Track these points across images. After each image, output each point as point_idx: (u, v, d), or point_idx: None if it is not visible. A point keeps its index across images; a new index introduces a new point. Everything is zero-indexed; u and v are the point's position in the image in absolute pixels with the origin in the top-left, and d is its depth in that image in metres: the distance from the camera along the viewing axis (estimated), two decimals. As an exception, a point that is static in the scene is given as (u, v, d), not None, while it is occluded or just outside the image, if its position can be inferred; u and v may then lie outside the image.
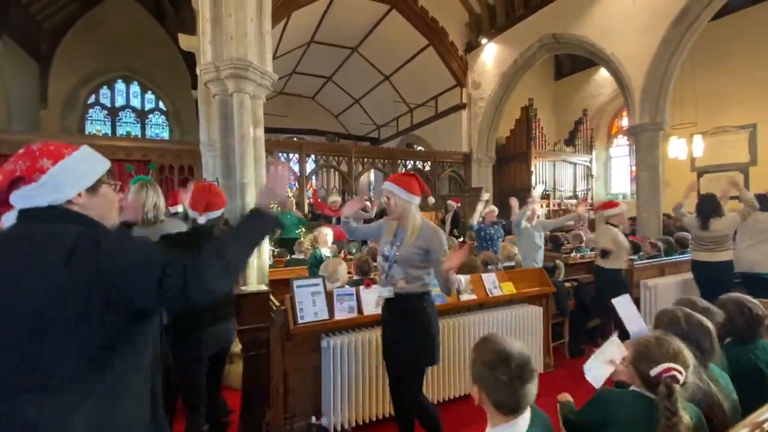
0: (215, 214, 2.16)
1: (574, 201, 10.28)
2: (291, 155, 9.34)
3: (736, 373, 1.57)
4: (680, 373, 1.17)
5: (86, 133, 12.09)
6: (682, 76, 7.03)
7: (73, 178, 0.97)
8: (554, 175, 10.63)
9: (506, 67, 9.54)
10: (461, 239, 7.20)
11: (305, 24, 10.45)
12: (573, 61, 11.51)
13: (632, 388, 1.32)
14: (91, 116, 12.73)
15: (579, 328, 4.13)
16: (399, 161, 10.60)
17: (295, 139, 13.04)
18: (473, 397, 1.18)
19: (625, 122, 10.60)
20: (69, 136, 9.89)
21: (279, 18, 8.55)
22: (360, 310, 2.69)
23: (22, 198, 0.94)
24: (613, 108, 11.30)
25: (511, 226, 4.74)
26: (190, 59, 8.72)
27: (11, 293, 0.84)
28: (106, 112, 13.00)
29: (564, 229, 6.90)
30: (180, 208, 3.17)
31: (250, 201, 3.27)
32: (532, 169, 10.14)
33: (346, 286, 2.86)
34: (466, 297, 3.11)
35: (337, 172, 10.06)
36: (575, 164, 11.08)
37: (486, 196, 5.82)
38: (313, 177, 10.24)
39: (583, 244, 5.79)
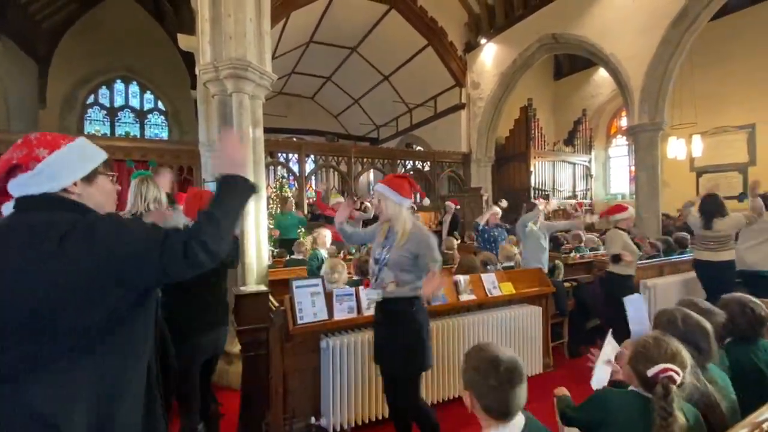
0: None
1: (572, 201, 10.29)
2: (291, 155, 9.34)
3: (737, 373, 1.57)
4: (677, 373, 1.18)
5: (85, 133, 12.07)
6: (681, 77, 7.04)
7: (68, 167, 0.98)
8: (553, 175, 10.64)
9: (505, 67, 9.54)
10: (460, 240, 7.19)
11: (304, 24, 10.44)
12: (572, 62, 11.53)
13: (631, 388, 1.32)
14: (90, 116, 12.71)
15: (578, 329, 4.13)
16: (398, 161, 10.60)
17: (294, 139, 13.02)
18: (465, 404, 1.19)
19: (624, 122, 10.62)
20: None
21: (278, 18, 8.55)
22: (359, 311, 2.68)
23: (19, 186, 0.95)
24: (612, 108, 11.31)
25: (515, 230, 4.69)
26: (189, 59, 8.71)
27: (11, 281, 0.85)
28: (105, 112, 12.98)
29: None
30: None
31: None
32: (531, 169, 10.15)
33: (346, 287, 2.86)
34: (465, 297, 3.11)
35: (336, 173, 10.06)
36: (574, 164, 11.09)
37: (504, 203, 5.79)
38: (313, 177, 10.24)
39: (582, 244, 5.80)
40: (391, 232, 2.09)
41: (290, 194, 7.66)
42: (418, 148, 13.06)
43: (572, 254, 5.21)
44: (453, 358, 2.98)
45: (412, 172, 10.97)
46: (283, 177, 8.75)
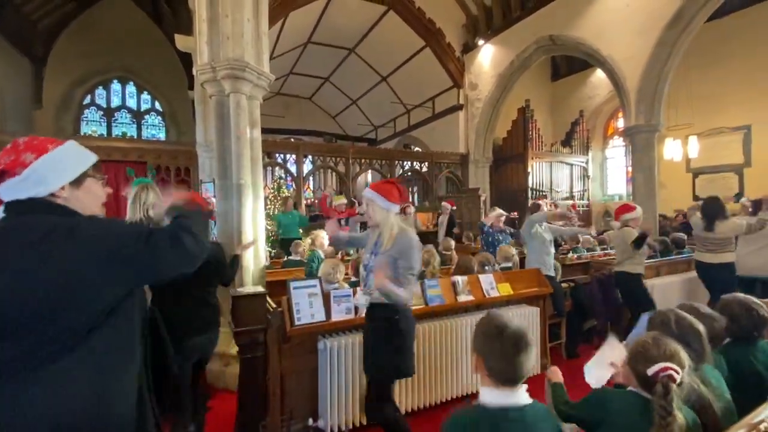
0: None
1: (568, 202, 10.32)
2: (288, 156, 9.32)
3: (735, 375, 1.57)
4: (677, 372, 1.18)
5: (81, 133, 12.01)
6: (677, 78, 7.08)
7: (56, 171, 0.99)
8: (551, 176, 10.67)
9: (503, 68, 9.57)
10: (457, 239, 7.19)
11: (302, 25, 10.44)
12: (569, 63, 11.57)
13: (629, 388, 1.33)
14: (86, 117, 12.65)
15: (576, 329, 4.14)
16: (396, 162, 10.61)
17: (292, 139, 13.01)
18: (472, 365, 1.23)
19: (621, 123, 10.66)
20: (64, 137, 9.83)
21: (276, 18, 8.54)
22: (357, 312, 2.67)
23: (8, 191, 0.97)
24: (609, 109, 11.36)
25: (520, 234, 4.65)
26: (186, 60, 8.70)
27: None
28: (102, 112, 12.92)
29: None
30: None
31: (246, 203, 3.25)
32: (529, 170, 10.17)
33: (345, 287, 2.85)
34: (463, 298, 3.10)
35: (334, 173, 10.05)
36: (572, 165, 11.12)
37: (514, 214, 5.77)
38: (311, 178, 10.23)
39: (580, 245, 5.82)
40: (380, 238, 2.09)
41: (289, 194, 7.68)
42: (416, 148, 13.07)
43: (570, 255, 5.23)
44: (451, 358, 2.97)
45: (410, 173, 10.99)
46: (280, 178, 8.74)
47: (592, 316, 4.27)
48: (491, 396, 1.16)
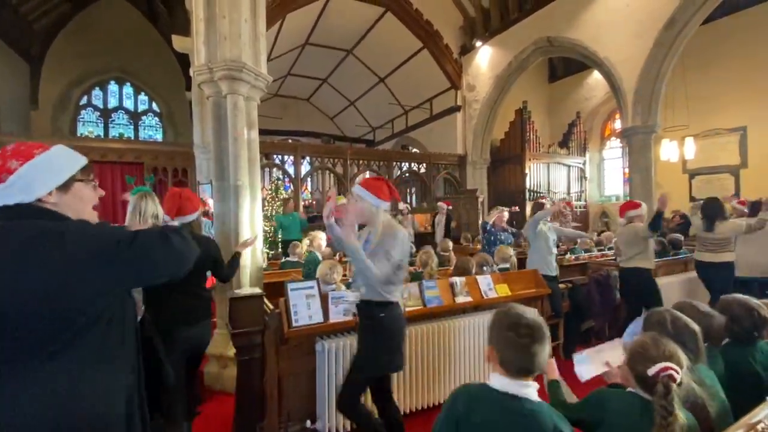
0: (187, 218, 2.30)
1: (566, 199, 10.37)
2: (286, 157, 9.31)
3: (733, 376, 1.57)
4: (677, 372, 1.18)
5: (78, 134, 11.96)
6: (673, 80, 7.12)
7: (42, 177, 1.00)
8: (548, 177, 10.70)
9: (500, 69, 9.60)
10: (455, 239, 7.20)
11: (300, 26, 10.44)
12: (566, 64, 11.62)
13: (628, 389, 1.32)
14: (83, 118, 12.60)
15: (573, 330, 4.14)
16: (394, 163, 10.62)
17: (290, 140, 13.01)
18: (485, 356, 1.26)
19: (617, 125, 10.71)
20: (60, 138, 9.79)
21: (274, 20, 8.54)
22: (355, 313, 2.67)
23: None
24: (605, 110, 11.41)
25: (522, 233, 4.63)
26: (184, 60, 8.69)
27: None
28: (99, 113, 12.87)
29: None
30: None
31: (244, 204, 3.24)
32: (527, 171, 10.20)
33: (342, 288, 2.84)
34: (461, 299, 3.10)
35: (332, 174, 10.05)
36: (569, 166, 11.16)
37: (515, 208, 5.77)
38: (309, 179, 10.22)
39: (577, 245, 5.83)
40: (369, 236, 2.07)
41: (288, 196, 7.69)
42: (414, 150, 13.08)
43: (567, 256, 5.23)
44: (450, 359, 2.97)
45: (407, 174, 11.00)
46: (278, 179, 8.73)
47: (590, 316, 4.27)
48: (500, 382, 1.16)
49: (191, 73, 4.62)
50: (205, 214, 4.21)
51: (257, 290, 2.72)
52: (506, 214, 5.03)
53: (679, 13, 6.16)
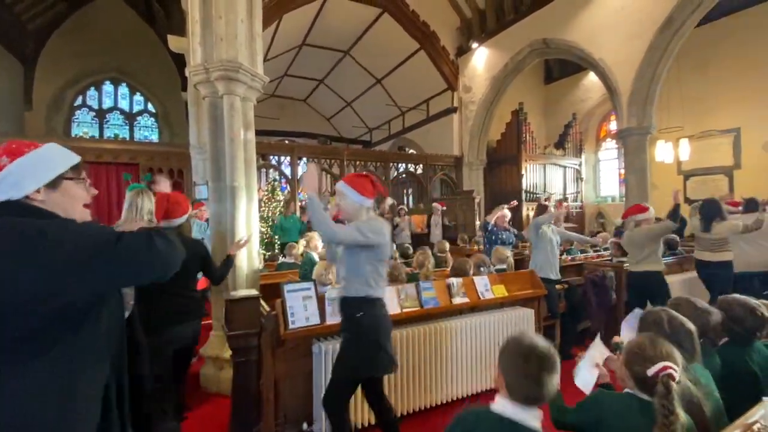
0: (175, 222, 2.34)
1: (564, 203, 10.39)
2: (283, 158, 9.29)
3: (729, 375, 1.57)
4: (676, 371, 1.18)
5: (72, 135, 11.88)
6: (668, 81, 7.17)
7: (31, 174, 1.00)
8: (544, 178, 10.74)
9: (497, 71, 9.63)
10: (452, 240, 7.20)
11: (297, 26, 10.43)
12: (562, 66, 11.67)
13: (626, 390, 1.32)
14: (77, 118, 12.51)
15: (569, 331, 4.15)
16: (391, 164, 10.62)
17: (286, 141, 12.98)
18: (495, 381, 1.28)
19: (613, 126, 10.77)
20: (54, 138, 9.72)
21: (270, 20, 8.52)
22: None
23: None
24: (601, 112, 11.47)
25: (525, 234, 4.62)
26: (180, 61, 8.65)
27: None
28: (94, 114, 12.79)
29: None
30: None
31: (240, 205, 3.23)
32: (523, 172, 10.23)
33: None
34: (458, 300, 3.10)
35: (328, 175, 10.03)
36: (565, 167, 11.20)
37: (513, 202, 5.76)
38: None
39: (573, 246, 5.85)
40: None
41: (282, 197, 7.67)
42: (411, 151, 13.09)
43: (563, 257, 5.24)
44: (446, 361, 2.97)
45: (404, 175, 11.01)
46: (275, 180, 8.70)
47: (586, 317, 4.29)
48: (503, 407, 1.16)
49: (187, 74, 4.60)
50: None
51: (254, 292, 2.71)
52: (508, 213, 4.97)
53: (677, 12, 6.19)
